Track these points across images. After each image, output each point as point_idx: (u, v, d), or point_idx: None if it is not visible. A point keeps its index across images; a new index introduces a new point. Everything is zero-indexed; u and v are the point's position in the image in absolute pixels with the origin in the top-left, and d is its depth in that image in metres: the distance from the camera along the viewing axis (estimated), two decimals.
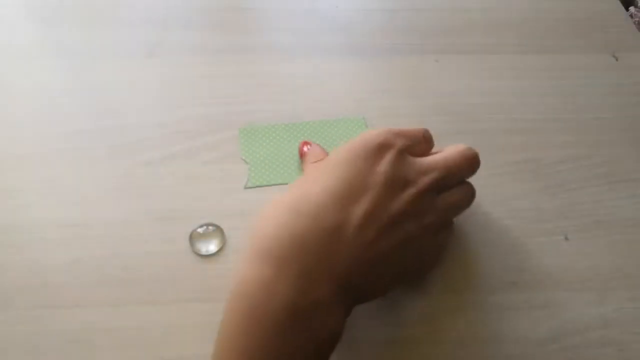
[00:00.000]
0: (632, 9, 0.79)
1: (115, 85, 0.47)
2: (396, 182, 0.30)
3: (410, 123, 0.44)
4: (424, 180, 0.31)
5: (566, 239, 0.39)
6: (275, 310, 0.26)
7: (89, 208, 0.39)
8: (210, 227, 0.37)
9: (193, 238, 0.37)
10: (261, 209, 0.31)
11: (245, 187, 0.40)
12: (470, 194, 0.35)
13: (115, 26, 0.52)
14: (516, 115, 0.46)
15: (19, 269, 0.36)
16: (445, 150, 0.34)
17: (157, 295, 0.35)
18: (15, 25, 0.52)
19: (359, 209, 0.29)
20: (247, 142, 0.43)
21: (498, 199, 0.40)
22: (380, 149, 0.31)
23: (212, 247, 0.37)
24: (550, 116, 0.46)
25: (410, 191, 0.30)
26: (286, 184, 0.41)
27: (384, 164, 0.30)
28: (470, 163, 0.34)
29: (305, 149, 0.40)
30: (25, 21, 0.53)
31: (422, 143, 0.35)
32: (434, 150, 0.36)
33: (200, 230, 0.37)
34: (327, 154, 0.38)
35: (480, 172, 0.42)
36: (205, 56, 0.50)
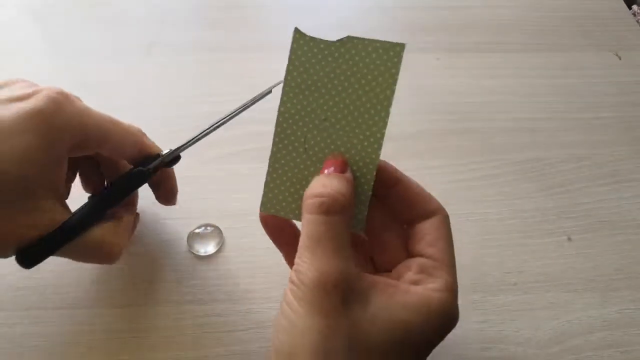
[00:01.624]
0: (635, 7, 0.78)
1: (113, 84, 0.47)
2: None
3: (410, 122, 0.45)
4: None
5: (569, 239, 0.38)
6: None
7: None
8: (209, 228, 0.37)
9: (191, 238, 0.37)
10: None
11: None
12: None
13: (112, 24, 0.52)
14: (518, 115, 0.46)
15: (14, 270, 0.35)
16: None
17: (154, 296, 0.34)
18: (12, 24, 0.52)
19: None
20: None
21: (500, 199, 0.40)
22: None
23: (210, 247, 0.36)
24: (552, 115, 0.46)
25: None
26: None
27: None
28: None
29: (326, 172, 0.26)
30: (22, 20, 0.53)
31: None
32: None
33: (198, 230, 0.37)
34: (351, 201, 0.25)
35: (482, 172, 0.42)
36: (204, 54, 0.50)
